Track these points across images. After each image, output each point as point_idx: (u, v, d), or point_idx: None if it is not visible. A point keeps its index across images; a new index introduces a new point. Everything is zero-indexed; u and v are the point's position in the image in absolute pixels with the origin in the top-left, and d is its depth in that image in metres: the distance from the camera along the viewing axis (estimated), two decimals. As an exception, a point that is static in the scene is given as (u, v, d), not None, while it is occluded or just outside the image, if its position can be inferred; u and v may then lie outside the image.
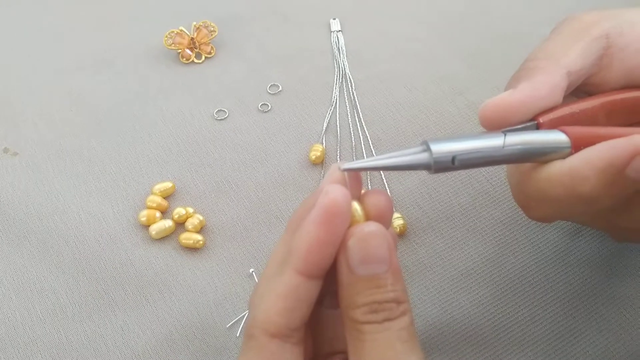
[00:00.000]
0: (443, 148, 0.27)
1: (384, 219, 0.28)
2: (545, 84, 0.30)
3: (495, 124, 0.30)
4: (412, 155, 0.27)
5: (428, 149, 0.27)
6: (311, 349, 0.32)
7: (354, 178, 0.28)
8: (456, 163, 0.27)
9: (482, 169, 0.44)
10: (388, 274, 0.26)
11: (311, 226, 0.26)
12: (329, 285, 0.30)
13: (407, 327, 0.26)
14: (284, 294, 0.27)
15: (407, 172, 0.45)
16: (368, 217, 0.27)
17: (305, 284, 0.27)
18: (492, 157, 0.28)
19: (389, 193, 0.44)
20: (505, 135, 0.28)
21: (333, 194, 0.26)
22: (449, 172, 0.44)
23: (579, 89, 0.33)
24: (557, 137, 0.29)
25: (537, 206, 0.31)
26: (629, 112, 0.32)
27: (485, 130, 0.30)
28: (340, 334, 0.31)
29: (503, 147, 0.28)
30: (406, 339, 0.26)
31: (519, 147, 0.28)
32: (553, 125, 0.30)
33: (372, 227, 0.26)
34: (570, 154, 0.28)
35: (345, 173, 0.28)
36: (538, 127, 0.30)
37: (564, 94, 0.31)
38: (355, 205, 0.27)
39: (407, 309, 0.27)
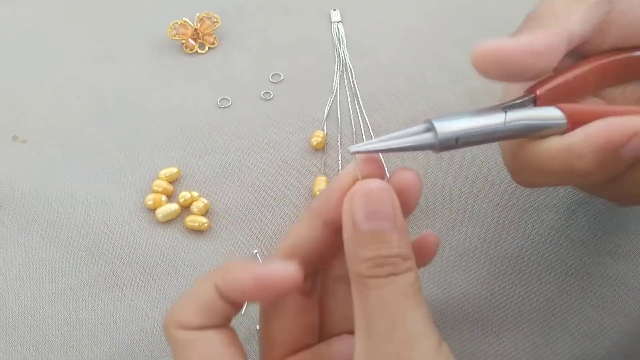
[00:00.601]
0: (448, 128, 0.28)
1: (408, 195, 0.28)
2: (544, 42, 0.29)
3: (486, 69, 0.29)
4: (418, 135, 0.28)
5: (433, 129, 0.28)
6: (317, 323, 0.33)
7: (373, 160, 0.29)
8: (459, 143, 0.28)
9: (480, 153, 0.45)
10: (393, 231, 0.26)
11: (248, 272, 0.28)
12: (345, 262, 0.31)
13: (413, 284, 0.26)
14: (201, 302, 0.29)
15: (406, 157, 0.46)
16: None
17: (221, 302, 0.29)
18: (493, 135, 0.29)
19: (388, 177, 0.45)
20: (505, 112, 0.29)
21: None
22: (449, 154, 0.45)
23: (571, 52, 0.33)
24: (554, 113, 0.30)
25: (528, 174, 0.31)
26: (620, 73, 0.33)
27: (481, 108, 0.31)
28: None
29: (504, 124, 0.29)
30: (411, 295, 0.26)
31: (519, 123, 0.29)
32: (550, 96, 0.31)
33: (377, 183, 0.27)
34: (567, 129, 0.29)
35: (356, 155, 0.28)
36: (535, 99, 0.31)
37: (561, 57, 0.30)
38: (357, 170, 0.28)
39: (412, 266, 0.27)
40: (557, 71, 0.32)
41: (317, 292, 0.33)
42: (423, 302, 0.27)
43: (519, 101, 0.31)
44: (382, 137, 0.28)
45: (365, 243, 0.26)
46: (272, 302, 0.31)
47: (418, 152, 0.46)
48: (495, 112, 0.29)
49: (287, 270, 0.28)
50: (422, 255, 0.30)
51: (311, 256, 0.30)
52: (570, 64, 0.33)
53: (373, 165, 0.29)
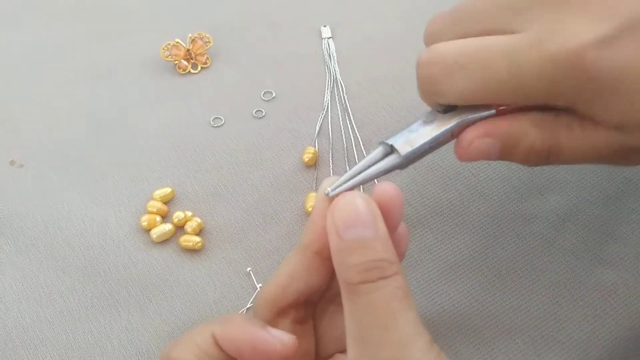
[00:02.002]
0: (407, 148, 0.31)
1: (390, 207, 0.29)
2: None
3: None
4: (383, 161, 0.31)
5: (394, 151, 0.31)
6: (314, 348, 0.33)
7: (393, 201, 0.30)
8: (417, 156, 0.32)
9: (469, 164, 0.46)
10: (376, 238, 0.27)
11: (246, 333, 0.30)
12: (336, 285, 0.32)
13: (402, 287, 0.27)
14: (198, 348, 0.30)
15: (396, 171, 0.46)
16: None
17: (217, 350, 0.30)
18: (444, 140, 0.32)
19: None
20: (444, 113, 0.32)
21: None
22: (438, 166, 0.46)
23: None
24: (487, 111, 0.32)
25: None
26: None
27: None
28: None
29: (451, 127, 0.32)
30: (401, 298, 0.27)
31: (460, 121, 0.32)
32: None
33: (354, 194, 0.28)
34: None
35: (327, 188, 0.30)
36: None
37: None
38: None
39: (399, 269, 0.28)
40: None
41: (312, 320, 0.33)
42: (413, 305, 0.27)
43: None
44: (350, 173, 0.30)
45: (350, 251, 0.27)
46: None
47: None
48: (438, 118, 0.32)
49: (283, 343, 0.30)
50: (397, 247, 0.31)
51: (306, 287, 0.31)
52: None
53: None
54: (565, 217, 0.43)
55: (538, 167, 0.45)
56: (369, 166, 0.31)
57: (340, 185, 0.30)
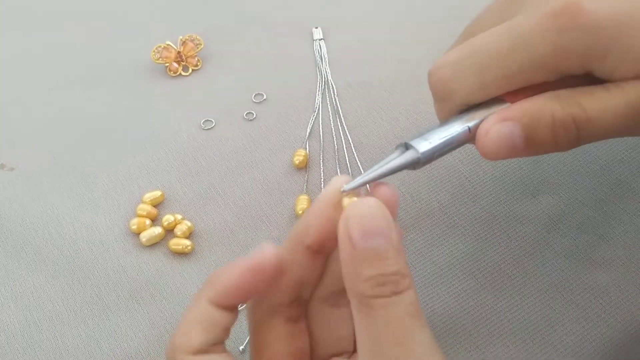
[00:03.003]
0: (426, 145, 0.30)
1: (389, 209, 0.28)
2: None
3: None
4: (400, 158, 0.30)
5: (411, 148, 0.30)
6: (308, 348, 0.33)
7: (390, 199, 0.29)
8: (435, 156, 0.31)
9: (461, 166, 0.46)
10: (390, 248, 0.27)
11: (233, 269, 0.29)
12: (334, 284, 0.31)
13: (414, 302, 0.27)
14: (199, 319, 0.29)
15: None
16: None
17: (219, 313, 0.29)
18: (461, 140, 0.31)
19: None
20: (464, 117, 0.31)
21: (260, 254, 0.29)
22: (429, 168, 0.46)
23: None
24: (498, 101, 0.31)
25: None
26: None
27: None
28: (345, 333, 0.32)
29: (469, 128, 0.31)
30: (414, 314, 0.26)
31: (477, 122, 0.31)
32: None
33: (371, 201, 0.27)
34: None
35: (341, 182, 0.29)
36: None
37: None
38: (346, 198, 0.29)
39: (412, 284, 0.27)
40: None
41: (305, 318, 0.33)
42: (425, 321, 0.27)
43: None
44: (367, 172, 0.30)
45: (364, 261, 0.26)
46: (265, 292, 0.30)
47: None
48: (457, 120, 0.31)
49: (265, 253, 0.29)
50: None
51: (296, 281, 0.31)
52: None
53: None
54: (557, 218, 0.43)
55: (529, 168, 0.45)
56: (386, 164, 0.30)
57: (356, 182, 0.29)
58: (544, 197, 0.44)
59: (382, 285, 0.26)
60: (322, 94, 0.52)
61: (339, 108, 0.50)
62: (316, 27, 0.56)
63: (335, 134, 0.49)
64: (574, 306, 0.40)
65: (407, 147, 0.30)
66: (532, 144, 0.30)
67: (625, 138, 0.46)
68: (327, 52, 0.55)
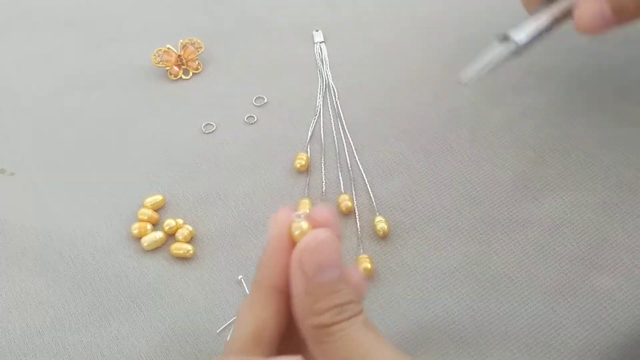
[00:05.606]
0: (522, 34, 0.37)
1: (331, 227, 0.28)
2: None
3: None
4: (502, 45, 0.37)
5: (508, 38, 0.37)
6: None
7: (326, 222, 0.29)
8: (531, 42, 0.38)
9: (463, 169, 0.46)
10: (341, 279, 0.27)
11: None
12: None
13: (367, 318, 0.27)
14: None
15: (389, 176, 0.46)
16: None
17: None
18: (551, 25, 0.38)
19: (372, 197, 0.45)
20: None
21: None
22: (431, 171, 0.46)
23: None
24: None
25: None
26: None
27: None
28: None
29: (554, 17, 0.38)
30: (371, 327, 0.27)
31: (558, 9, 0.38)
32: None
33: (325, 234, 0.27)
34: None
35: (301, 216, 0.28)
36: None
37: None
38: (302, 224, 0.28)
39: (363, 306, 0.28)
40: None
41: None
42: (381, 334, 0.27)
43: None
44: (474, 61, 0.37)
45: (320, 295, 0.27)
46: None
47: (401, 171, 0.46)
48: (542, 9, 0.38)
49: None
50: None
51: (276, 331, 0.29)
52: None
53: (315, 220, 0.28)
54: (560, 222, 0.43)
55: (532, 171, 0.45)
56: (489, 53, 0.37)
57: (474, 70, 0.37)
58: (547, 200, 0.44)
59: (340, 313, 0.27)
60: (323, 97, 0.52)
61: (340, 111, 0.50)
62: (317, 30, 0.56)
63: (336, 137, 0.49)
64: (578, 310, 0.40)
65: (506, 36, 0.37)
66: (619, 14, 0.36)
67: (627, 140, 0.46)
68: (328, 55, 0.54)
